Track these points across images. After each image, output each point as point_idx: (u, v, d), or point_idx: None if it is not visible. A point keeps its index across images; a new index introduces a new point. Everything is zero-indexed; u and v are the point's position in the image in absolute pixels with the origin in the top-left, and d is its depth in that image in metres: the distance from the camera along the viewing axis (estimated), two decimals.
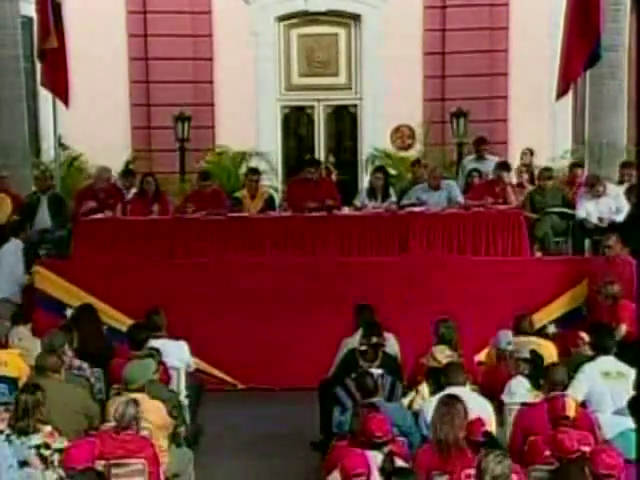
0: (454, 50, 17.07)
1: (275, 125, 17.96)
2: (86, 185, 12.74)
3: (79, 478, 5.99)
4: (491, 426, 6.89)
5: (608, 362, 7.73)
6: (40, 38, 12.25)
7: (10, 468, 6.25)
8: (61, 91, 12.51)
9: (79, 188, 12.95)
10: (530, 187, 12.80)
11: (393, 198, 11.96)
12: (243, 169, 15.76)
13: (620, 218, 11.40)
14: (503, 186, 11.94)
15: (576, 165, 12.94)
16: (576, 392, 7.38)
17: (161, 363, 8.22)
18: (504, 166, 12.44)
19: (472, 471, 5.66)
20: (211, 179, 12.56)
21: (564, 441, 6.08)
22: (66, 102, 12.64)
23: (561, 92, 12.33)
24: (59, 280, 10.84)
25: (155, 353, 8.15)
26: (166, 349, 8.51)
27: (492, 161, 13.48)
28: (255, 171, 13.09)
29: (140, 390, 7.27)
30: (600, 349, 7.90)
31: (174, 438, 7.64)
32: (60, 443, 6.64)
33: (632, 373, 7.18)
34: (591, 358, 7.94)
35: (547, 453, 6.34)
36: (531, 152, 14.62)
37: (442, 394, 6.86)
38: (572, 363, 7.99)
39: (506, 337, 8.49)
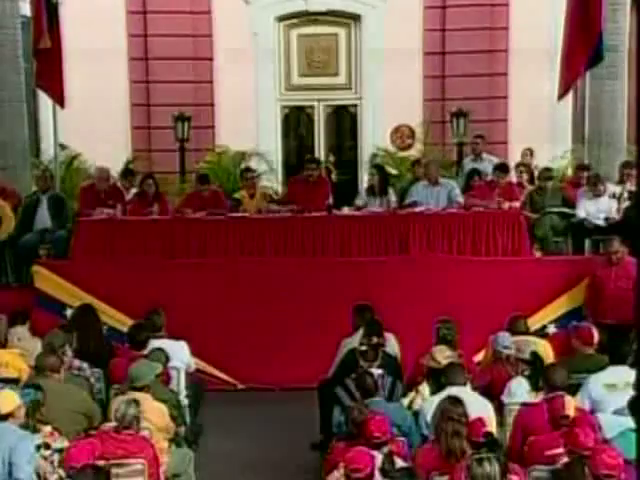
0: (454, 50, 17.06)
1: (275, 125, 17.94)
2: (87, 184, 12.70)
3: (79, 476, 5.99)
4: (491, 426, 6.88)
5: (617, 373, 7.52)
6: (34, 38, 12.19)
7: (29, 464, 6.26)
8: (56, 92, 12.37)
9: (83, 186, 12.88)
10: (530, 187, 12.79)
11: (393, 197, 11.95)
12: None
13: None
14: (504, 186, 11.95)
15: (582, 167, 12.86)
16: (580, 404, 7.30)
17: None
18: (501, 168, 12.46)
19: None
20: (210, 183, 12.53)
21: (579, 435, 6.08)
22: (61, 103, 12.45)
23: (562, 92, 12.33)
24: (59, 280, 10.83)
25: (162, 355, 8.16)
26: (166, 349, 8.50)
27: (487, 160, 13.51)
28: (249, 169, 13.32)
29: (145, 389, 7.28)
30: (615, 357, 7.75)
31: (174, 438, 7.66)
32: (60, 443, 6.66)
33: None
34: (602, 367, 7.80)
35: (547, 453, 6.34)
36: (531, 152, 14.62)
37: (444, 396, 6.86)
38: (573, 365, 7.95)
39: (503, 340, 8.43)
